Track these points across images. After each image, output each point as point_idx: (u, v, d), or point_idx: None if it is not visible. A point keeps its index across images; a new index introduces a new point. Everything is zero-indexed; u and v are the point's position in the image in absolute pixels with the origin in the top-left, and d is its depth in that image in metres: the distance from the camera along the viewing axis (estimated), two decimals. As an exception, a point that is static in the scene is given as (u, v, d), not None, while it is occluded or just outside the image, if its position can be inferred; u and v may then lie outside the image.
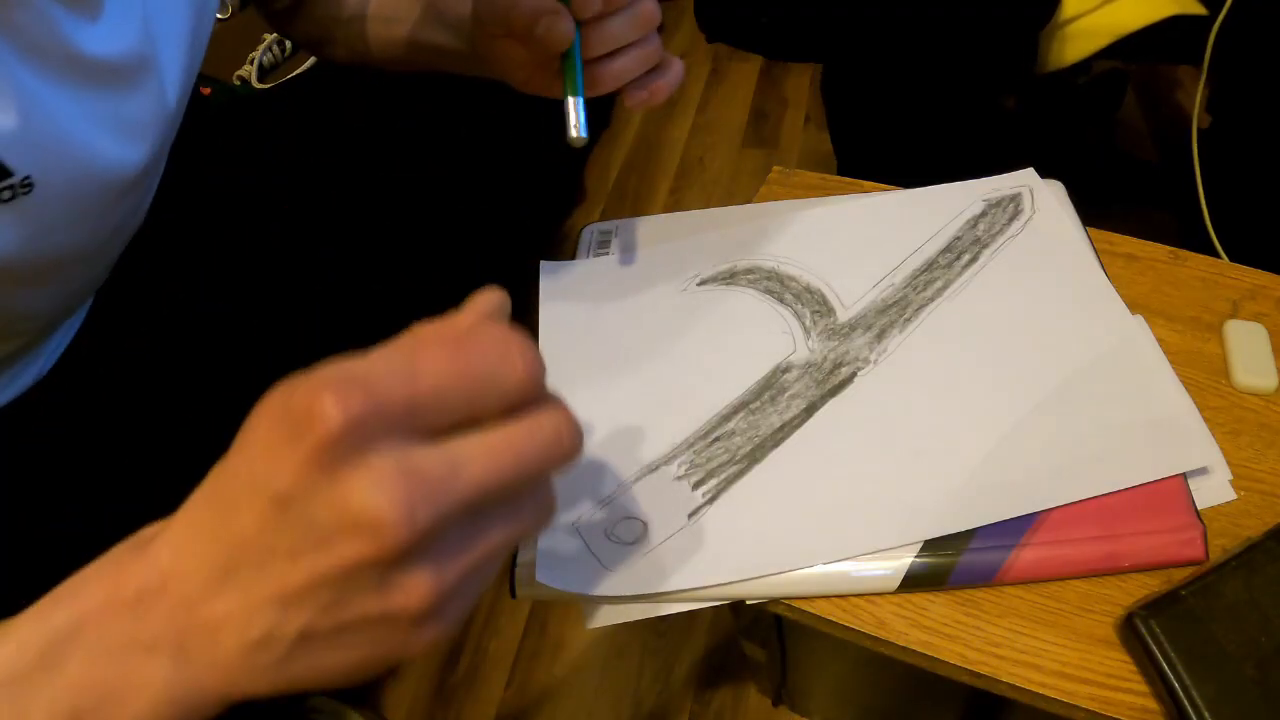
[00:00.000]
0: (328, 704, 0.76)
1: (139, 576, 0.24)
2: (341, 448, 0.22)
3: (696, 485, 0.45)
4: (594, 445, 0.48)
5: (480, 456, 0.23)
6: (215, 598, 0.24)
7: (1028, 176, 0.57)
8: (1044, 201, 0.55)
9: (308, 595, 0.23)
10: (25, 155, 0.36)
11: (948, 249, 0.54)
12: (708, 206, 0.61)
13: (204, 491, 0.25)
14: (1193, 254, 0.54)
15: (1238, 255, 0.56)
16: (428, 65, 0.55)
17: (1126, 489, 0.41)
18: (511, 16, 0.42)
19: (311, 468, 0.22)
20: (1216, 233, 0.82)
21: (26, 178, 0.36)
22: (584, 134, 0.40)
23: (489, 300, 0.27)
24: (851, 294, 0.52)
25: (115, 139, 0.42)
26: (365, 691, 0.84)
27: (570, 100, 0.40)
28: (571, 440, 0.25)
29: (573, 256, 0.59)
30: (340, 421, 0.21)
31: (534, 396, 0.25)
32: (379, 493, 0.21)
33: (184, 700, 0.24)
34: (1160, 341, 0.47)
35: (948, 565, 0.40)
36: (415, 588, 0.23)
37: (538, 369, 0.25)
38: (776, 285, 0.54)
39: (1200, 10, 0.91)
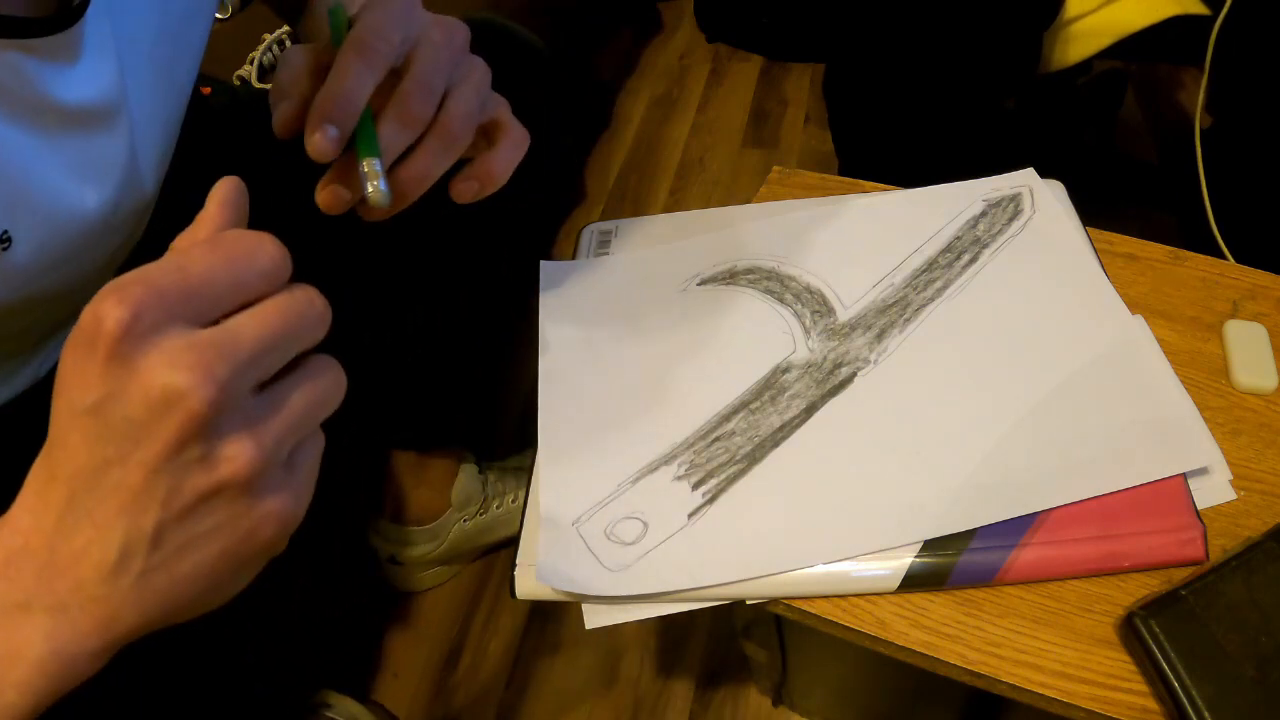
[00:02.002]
0: (336, 698, 0.76)
1: (4, 542, 0.25)
2: (131, 339, 0.24)
3: (696, 485, 0.45)
4: (594, 445, 0.48)
5: (251, 323, 0.26)
6: (71, 535, 0.25)
7: (1028, 176, 0.57)
8: (1044, 201, 0.55)
9: (145, 492, 0.24)
10: (2, 211, 0.35)
11: (948, 249, 0.54)
12: (708, 206, 0.61)
13: (44, 448, 0.26)
14: (1193, 254, 0.54)
15: (1240, 255, 0.56)
16: None
17: (1127, 489, 0.41)
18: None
19: (111, 367, 0.24)
20: (1219, 232, 0.82)
21: (5, 232, 0.36)
22: (386, 192, 0.34)
23: (228, 188, 0.30)
24: (851, 294, 0.52)
25: (80, 183, 0.40)
26: (368, 689, 0.84)
27: (365, 161, 0.34)
28: (322, 304, 0.28)
29: (573, 256, 0.59)
30: (124, 315, 0.23)
31: (285, 279, 0.27)
32: (174, 368, 0.24)
33: (66, 652, 0.25)
34: (1160, 341, 0.47)
35: (948, 565, 0.40)
36: (238, 453, 0.25)
37: (286, 252, 0.27)
38: (776, 285, 0.54)
39: (1201, 10, 0.91)
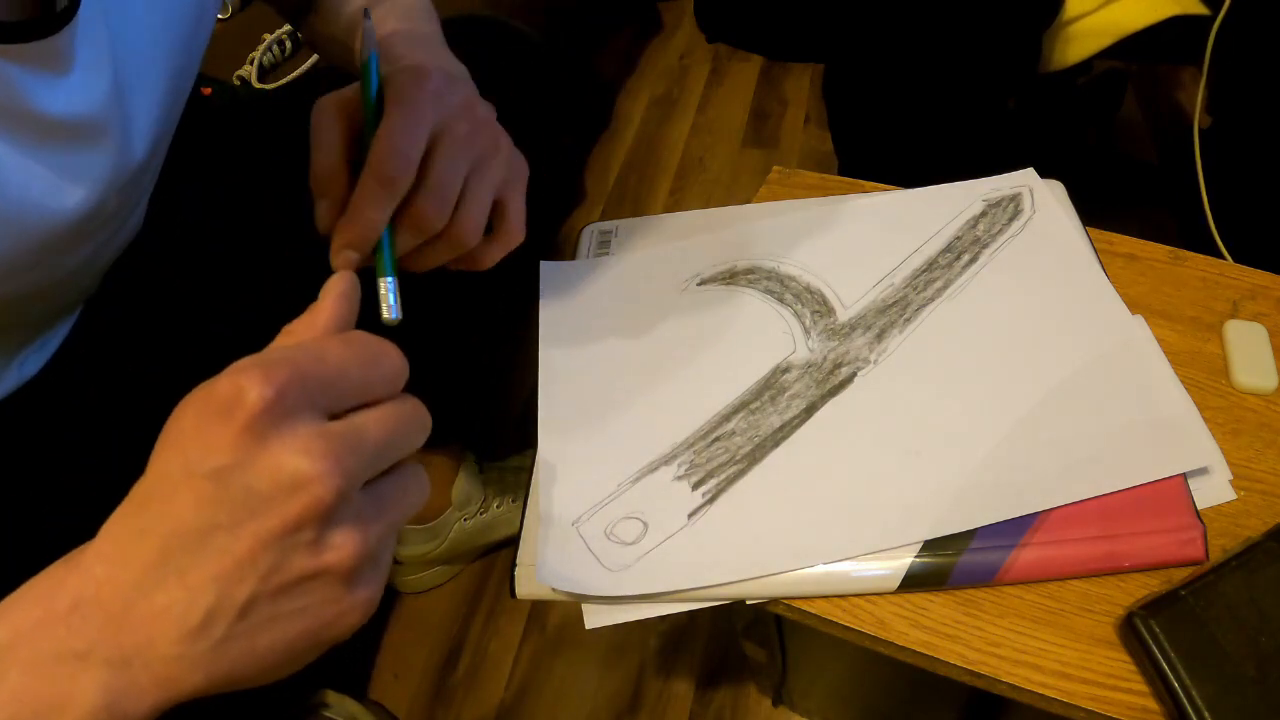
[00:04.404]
0: (335, 698, 0.76)
1: (72, 589, 0.25)
2: (270, 418, 0.25)
3: (696, 485, 0.45)
4: (594, 445, 0.48)
5: (375, 424, 0.27)
6: (153, 592, 0.25)
7: (1028, 176, 0.57)
8: (1044, 201, 0.55)
9: (249, 563, 0.25)
10: None
11: (948, 249, 0.54)
12: (708, 206, 0.61)
13: (130, 499, 0.26)
14: (1193, 254, 0.54)
15: (1240, 255, 0.56)
16: None
17: (1127, 489, 0.41)
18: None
19: (245, 439, 0.25)
20: (1219, 232, 0.82)
21: None
22: (396, 315, 0.37)
23: (344, 283, 0.32)
24: (851, 294, 0.52)
25: (60, 191, 0.39)
26: (367, 690, 0.84)
27: (382, 281, 0.37)
28: (427, 416, 0.30)
29: (573, 256, 0.59)
30: (269, 395, 0.25)
31: (402, 386, 0.29)
32: (307, 454, 0.25)
33: (118, 707, 0.24)
34: (1160, 341, 0.47)
35: (948, 565, 0.40)
36: (345, 544, 0.26)
37: (406, 362, 0.29)
38: (776, 285, 0.54)
39: (1201, 10, 0.91)
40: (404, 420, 0.29)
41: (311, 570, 0.25)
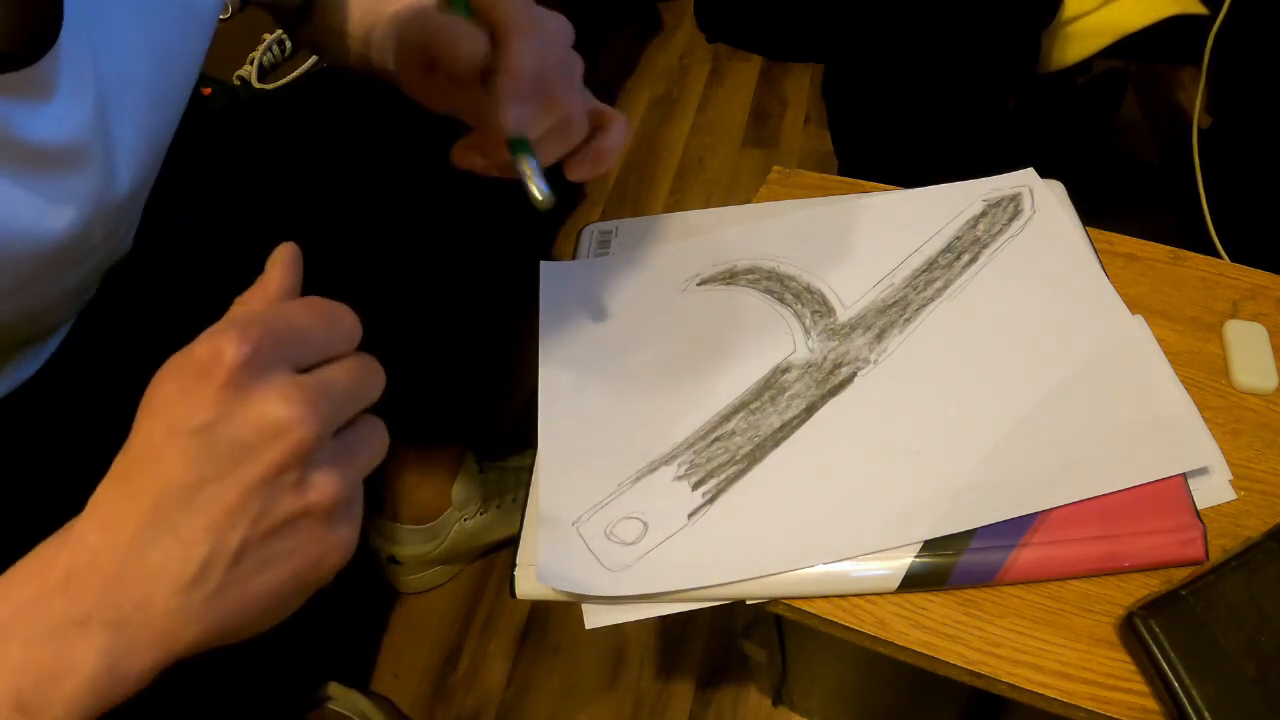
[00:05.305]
0: (341, 691, 0.76)
1: (66, 560, 0.26)
2: (248, 372, 0.26)
3: (696, 485, 0.45)
4: (594, 445, 0.48)
5: (341, 374, 0.29)
6: (148, 550, 0.26)
7: (1028, 176, 0.57)
8: (1044, 201, 0.55)
9: (240, 510, 0.26)
10: None
11: (948, 249, 0.54)
12: (708, 206, 0.61)
13: (115, 469, 0.27)
14: (1193, 254, 0.54)
15: (1238, 255, 0.56)
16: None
17: (1127, 489, 0.41)
18: (431, 44, 0.40)
19: (227, 393, 0.26)
20: (1216, 232, 0.82)
21: None
22: (548, 191, 0.38)
23: (287, 253, 0.33)
24: (851, 294, 0.52)
25: (42, 217, 0.39)
26: (368, 689, 0.84)
27: (523, 161, 0.38)
28: (382, 372, 0.31)
29: (573, 256, 0.59)
30: (246, 350, 0.26)
31: (358, 341, 0.31)
32: (286, 401, 0.27)
33: (119, 668, 0.25)
34: (1160, 341, 0.47)
35: (948, 565, 0.40)
36: (326, 483, 0.28)
37: (358, 319, 0.31)
38: (776, 285, 0.54)
39: (1200, 10, 0.91)
40: (364, 372, 0.30)
41: (298, 510, 0.27)
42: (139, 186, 0.47)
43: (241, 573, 0.26)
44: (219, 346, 0.26)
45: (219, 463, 0.26)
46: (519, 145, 0.39)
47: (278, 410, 0.26)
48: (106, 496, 0.27)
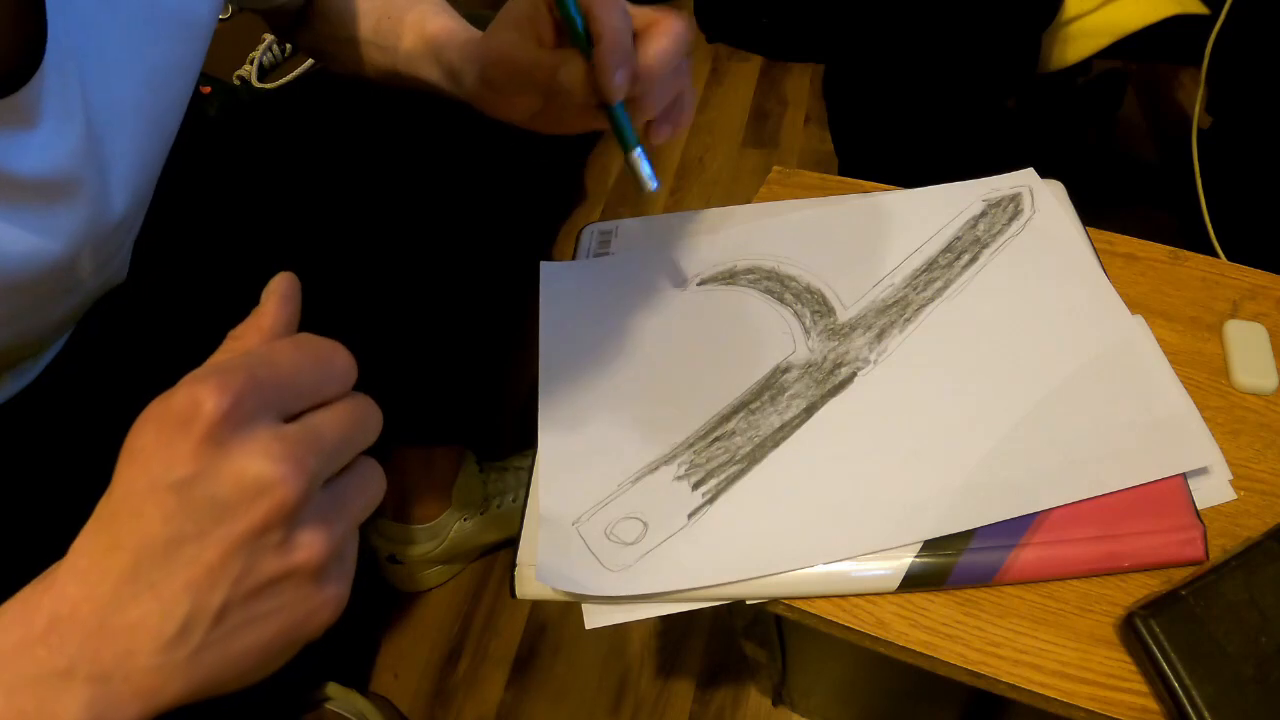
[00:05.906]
0: (340, 692, 0.76)
1: (48, 608, 0.25)
2: (229, 426, 0.25)
3: (696, 485, 0.45)
4: (594, 445, 0.48)
5: (331, 423, 0.28)
6: (128, 605, 0.25)
7: (1028, 176, 0.57)
8: (1044, 201, 0.55)
9: (220, 570, 0.25)
10: None
11: (948, 249, 0.54)
12: (708, 206, 0.61)
13: (97, 517, 0.26)
14: (1193, 254, 0.54)
15: (1237, 255, 0.56)
16: (419, 90, 0.55)
17: (1127, 489, 0.41)
18: (533, 75, 0.42)
19: (206, 448, 0.25)
20: (1216, 232, 0.82)
21: None
22: (656, 184, 0.40)
23: (285, 284, 0.31)
24: (851, 294, 0.52)
25: (29, 249, 0.38)
26: (367, 689, 0.84)
27: (633, 154, 0.39)
28: (378, 413, 0.30)
29: (573, 256, 0.59)
30: (226, 403, 0.25)
31: (352, 383, 0.30)
32: (268, 458, 0.25)
33: None
34: (1160, 341, 0.47)
35: (947, 565, 0.40)
36: (313, 542, 0.26)
37: (354, 360, 0.30)
38: (776, 285, 0.54)
39: (1200, 10, 0.91)
40: (358, 417, 0.29)
41: (281, 571, 0.26)
42: (133, 210, 0.46)
43: (224, 632, 0.25)
44: (198, 397, 0.25)
45: (198, 520, 0.25)
46: (627, 139, 0.39)
47: (260, 468, 0.25)
48: (87, 546, 0.26)
